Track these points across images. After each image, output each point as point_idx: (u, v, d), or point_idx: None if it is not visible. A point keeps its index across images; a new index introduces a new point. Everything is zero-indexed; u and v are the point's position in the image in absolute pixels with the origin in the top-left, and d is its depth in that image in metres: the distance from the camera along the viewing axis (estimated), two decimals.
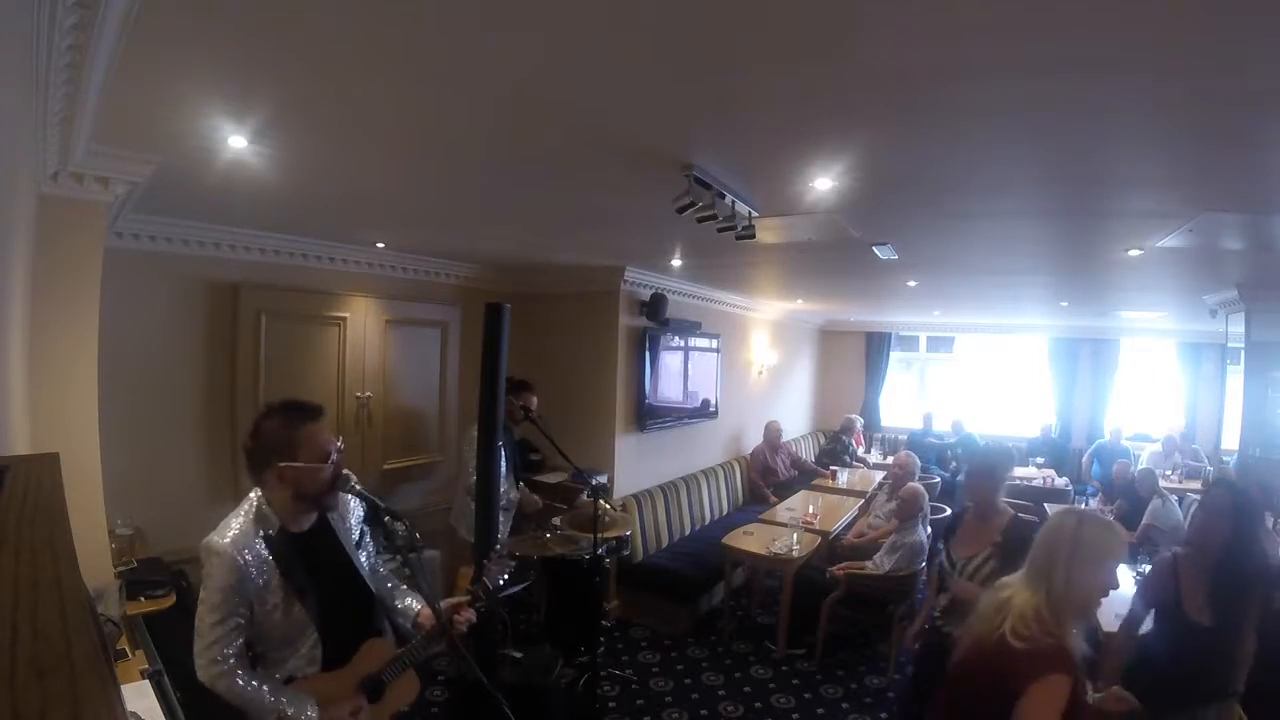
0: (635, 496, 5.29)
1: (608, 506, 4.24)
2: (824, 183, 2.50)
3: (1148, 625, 2.45)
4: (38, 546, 0.75)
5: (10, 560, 0.69)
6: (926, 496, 4.57)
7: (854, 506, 5.94)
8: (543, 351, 5.31)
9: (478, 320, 2.90)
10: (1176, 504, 5.25)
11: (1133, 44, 1.38)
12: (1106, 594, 1.66)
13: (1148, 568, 3.96)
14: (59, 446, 1.51)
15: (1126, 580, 3.93)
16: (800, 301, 7.74)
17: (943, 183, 2.52)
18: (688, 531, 5.83)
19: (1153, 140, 1.98)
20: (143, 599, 2.50)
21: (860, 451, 8.68)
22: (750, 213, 2.71)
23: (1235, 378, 5.00)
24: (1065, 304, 6.54)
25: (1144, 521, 5.13)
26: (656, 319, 5.41)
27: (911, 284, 5.56)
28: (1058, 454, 8.38)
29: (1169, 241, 3.18)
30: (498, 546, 2.12)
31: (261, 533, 1.65)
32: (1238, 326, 4.79)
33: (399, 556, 1.84)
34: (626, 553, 4.75)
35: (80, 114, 1.76)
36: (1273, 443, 4.58)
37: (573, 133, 2.07)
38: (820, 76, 1.61)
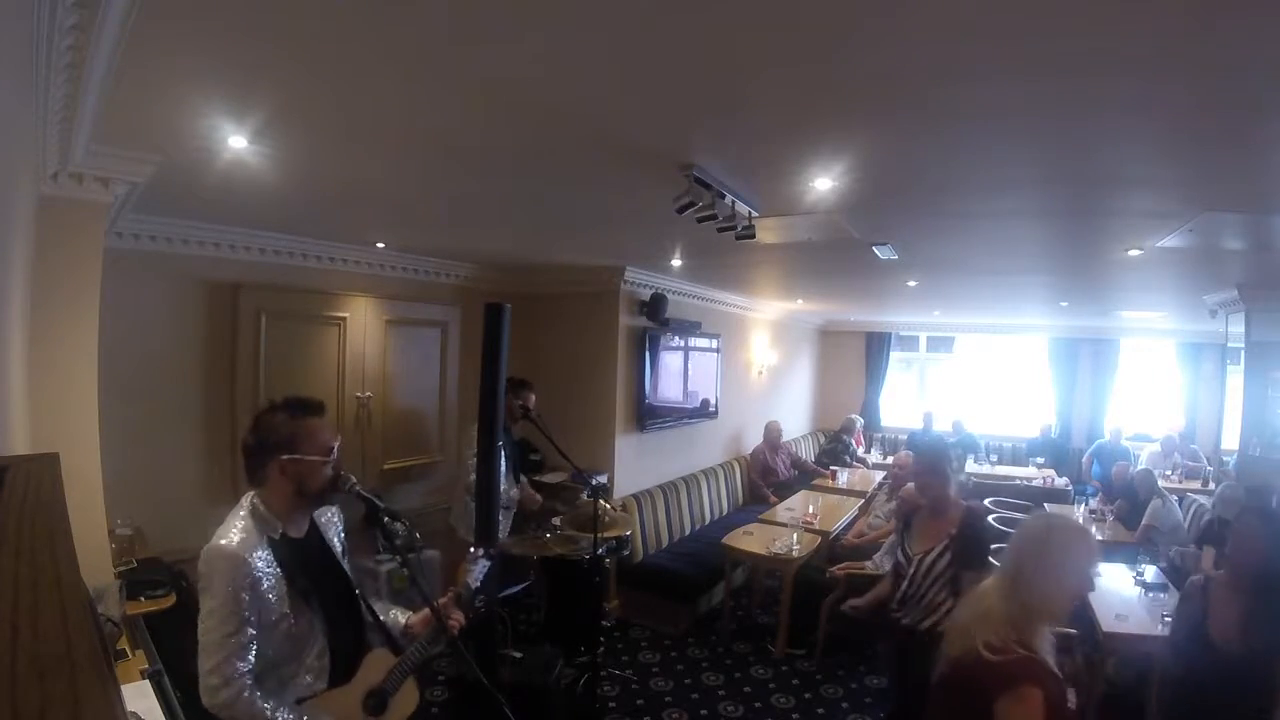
0: (635, 496, 5.29)
1: (607, 506, 4.25)
2: (824, 183, 2.50)
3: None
4: (38, 546, 0.75)
5: (10, 560, 0.69)
6: None
7: (854, 506, 5.94)
8: (543, 351, 5.31)
9: (478, 320, 2.90)
10: (1176, 504, 5.26)
11: (1133, 44, 1.38)
12: (1080, 598, 1.65)
13: (1148, 568, 3.99)
14: (59, 446, 1.51)
15: (1123, 579, 3.94)
16: (800, 301, 7.74)
17: (943, 183, 2.52)
18: (688, 531, 5.83)
19: (1153, 140, 1.98)
20: (143, 599, 2.50)
21: (860, 451, 8.69)
22: (750, 213, 2.71)
23: (1235, 378, 5.00)
24: (1065, 304, 6.54)
25: (1143, 522, 5.13)
26: (656, 319, 5.41)
27: (911, 284, 5.56)
28: (1058, 454, 8.38)
29: (1169, 241, 3.18)
30: (470, 550, 2.08)
31: (266, 537, 1.59)
32: (1238, 326, 4.80)
33: (399, 556, 1.83)
34: (626, 553, 4.74)
35: (80, 114, 1.75)
36: (1273, 443, 4.59)
37: (573, 133, 2.07)
38: (821, 77, 1.62)
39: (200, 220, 3.38)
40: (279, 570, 1.58)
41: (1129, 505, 5.61)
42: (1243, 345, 4.70)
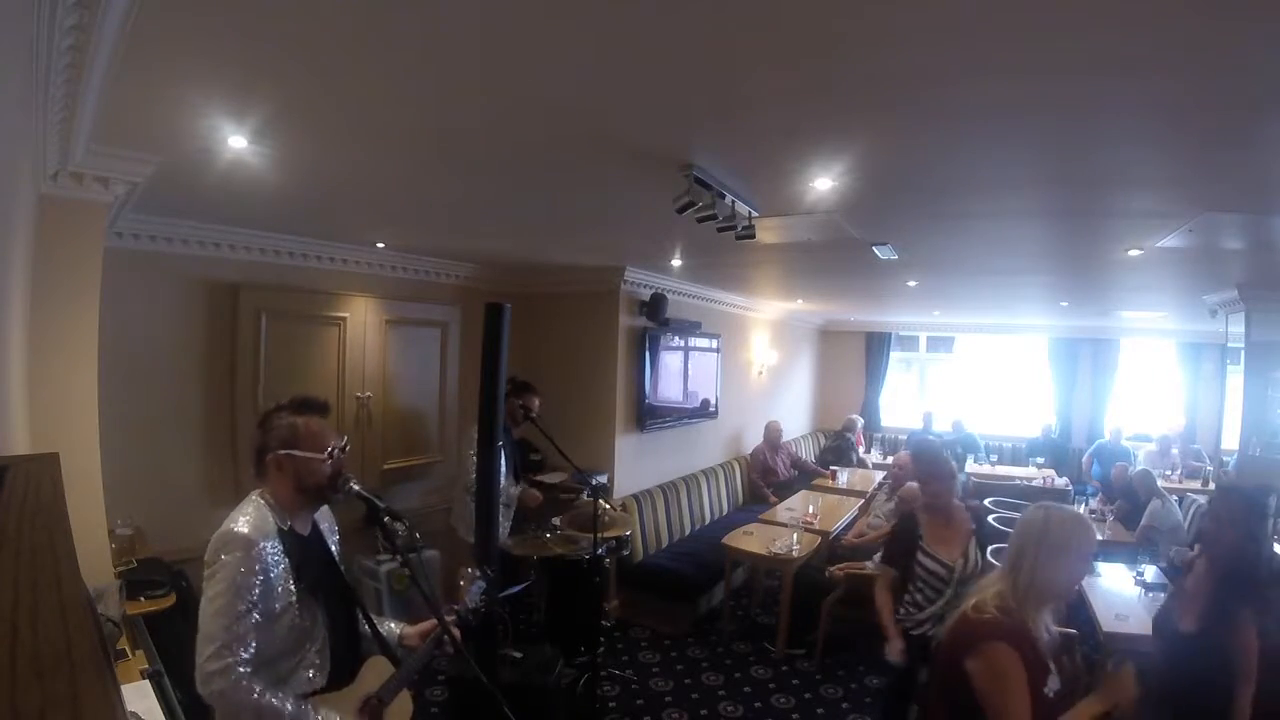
0: (635, 496, 5.29)
1: (608, 506, 4.24)
2: (824, 183, 2.50)
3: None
4: (38, 546, 0.75)
5: (10, 560, 0.69)
6: None
7: (854, 506, 5.94)
8: (543, 351, 5.31)
9: (478, 320, 2.90)
10: (1176, 504, 5.26)
11: (1133, 45, 1.38)
12: (1075, 585, 1.72)
13: (1148, 568, 3.99)
14: (59, 446, 1.51)
15: (1123, 579, 3.94)
16: (800, 301, 7.74)
17: (943, 183, 2.52)
18: (688, 531, 5.83)
19: (1153, 140, 1.98)
20: (143, 599, 2.49)
21: (861, 451, 8.69)
22: (750, 213, 2.71)
23: (1235, 378, 5.00)
24: (1065, 304, 6.54)
25: (1143, 522, 5.13)
26: (656, 319, 5.41)
27: (911, 284, 5.56)
28: (1058, 454, 8.38)
29: (1169, 241, 3.18)
30: (468, 571, 2.09)
31: (276, 526, 1.61)
32: (1238, 326, 4.79)
33: (399, 556, 1.84)
34: (626, 553, 4.74)
35: (80, 114, 1.75)
36: (1273, 443, 4.58)
37: (573, 133, 2.07)
38: (821, 77, 1.61)
39: (200, 220, 3.38)
40: (287, 561, 1.59)
41: (1129, 505, 5.61)
42: (1243, 345, 4.70)
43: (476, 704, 2.18)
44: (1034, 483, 7.06)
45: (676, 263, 4.77)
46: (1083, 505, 6.10)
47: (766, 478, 7.10)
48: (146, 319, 3.34)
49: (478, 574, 2.05)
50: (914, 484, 4.68)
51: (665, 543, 5.47)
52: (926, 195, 2.69)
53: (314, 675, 1.63)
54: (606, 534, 3.72)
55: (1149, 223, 2.94)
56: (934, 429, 8.76)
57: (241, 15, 1.35)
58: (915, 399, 10.03)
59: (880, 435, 9.71)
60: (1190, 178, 2.33)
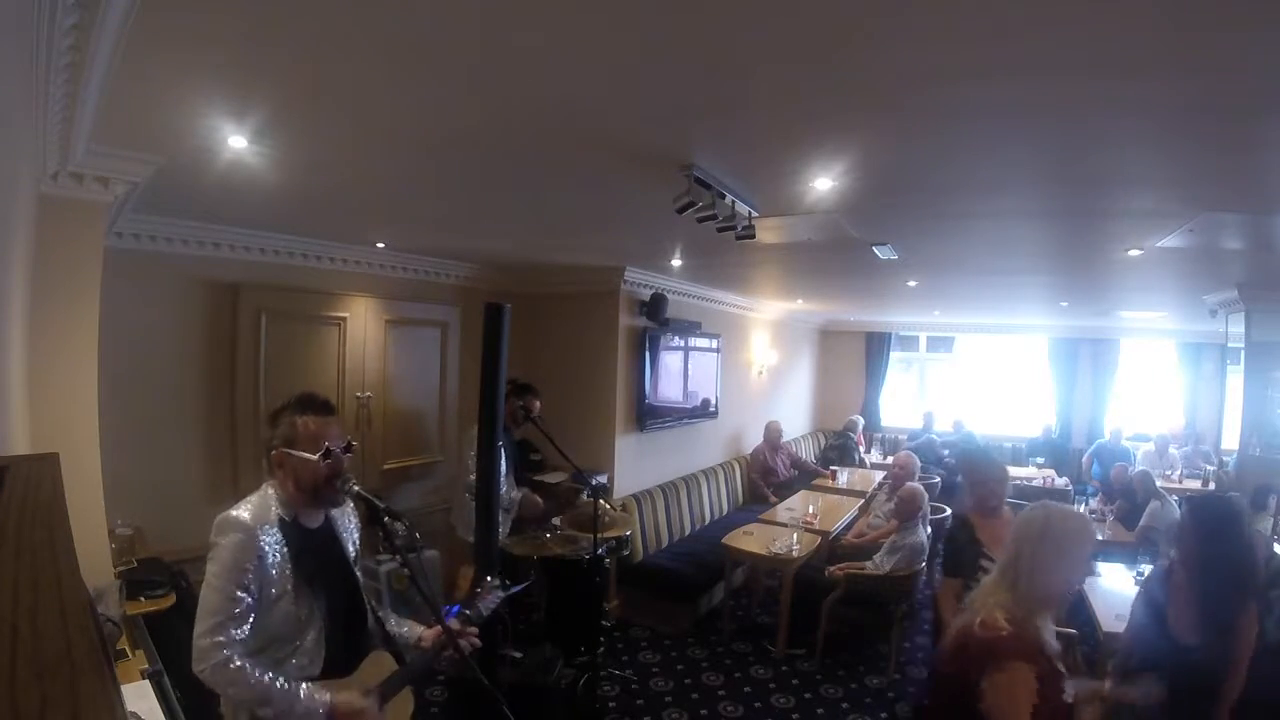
0: (635, 496, 5.29)
1: (608, 506, 4.24)
2: (824, 183, 2.50)
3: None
4: (38, 546, 0.75)
5: (10, 560, 0.69)
6: (926, 497, 4.57)
7: (854, 506, 5.94)
8: (543, 351, 5.31)
9: (478, 320, 2.90)
10: (1176, 505, 5.25)
11: (1133, 46, 1.38)
12: (1076, 587, 1.71)
13: (1148, 568, 3.99)
14: (59, 446, 1.51)
15: (1123, 579, 3.94)
16: (800, 302, 7.74)
17: (943, 183, 2.52)
18: (688, 531, 5.83)
19: (1153, 141, 1.98)
20: (143, 599, 2.50)
21: (861, 451, 8.68)
22: (750, 213, 2.71)
23: (1235, 378, 5.00)
24: (1065, 304, 6.54)
25: (1142, 523, 5.13)
26: (656, 319, 5.41)
27: (911, 284, 5.56)
28: (1058, 454, 8.39)
29: (1169, 241, 3.18)
30: (487, 579, 2.09)
31: (277, 516, 1.65)
32: (1238, 326, 4.80)
33: (399, 556, 1.84)
34: (626, 553, 4.74)
35: (80, 114, 1.75)
36: (1273, 443, 4.59)
37: (573, 133, 2.07)
38: (821, 77, 1.62)
39: (200, 220, 3.38)
40: (285, 549, 1.62)
41: (1128, 505, 5.61)
42: (1243, 345, 4.70)
43: (476, 704, 2.18)
44: (1034, 483, 7.06)
45: (676, 263, 4.77)
46: (1083, 505, 6.11)
47: (766, 478, 7.10)
48: (146, 319, 3.33)
49: (497, 583, 2.05)
50: (914, 484, 4.71)
51: (665, 543, 5.47)
52: (927, 195, 2.69)
53: (308, 664, 1.65)
54: (606, 534, 3.72)
55: (1149, 223, 2.94)
56: (935, 429, 8.76)
57: (241, 15, 1.35)
58: (915, 399, 10.03)
59: (880, 435, 9.70)
60: (1190, 178, 2.33)
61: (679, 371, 6.00)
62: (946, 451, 8.09)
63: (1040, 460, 8.11)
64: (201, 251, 3.52)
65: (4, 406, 1.55)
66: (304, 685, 1.56)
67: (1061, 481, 7.28)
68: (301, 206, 3.11)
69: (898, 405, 10.06)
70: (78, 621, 0.57)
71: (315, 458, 1.67)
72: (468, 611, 1.93)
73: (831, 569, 4.54)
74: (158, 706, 1.79)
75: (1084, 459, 8.02)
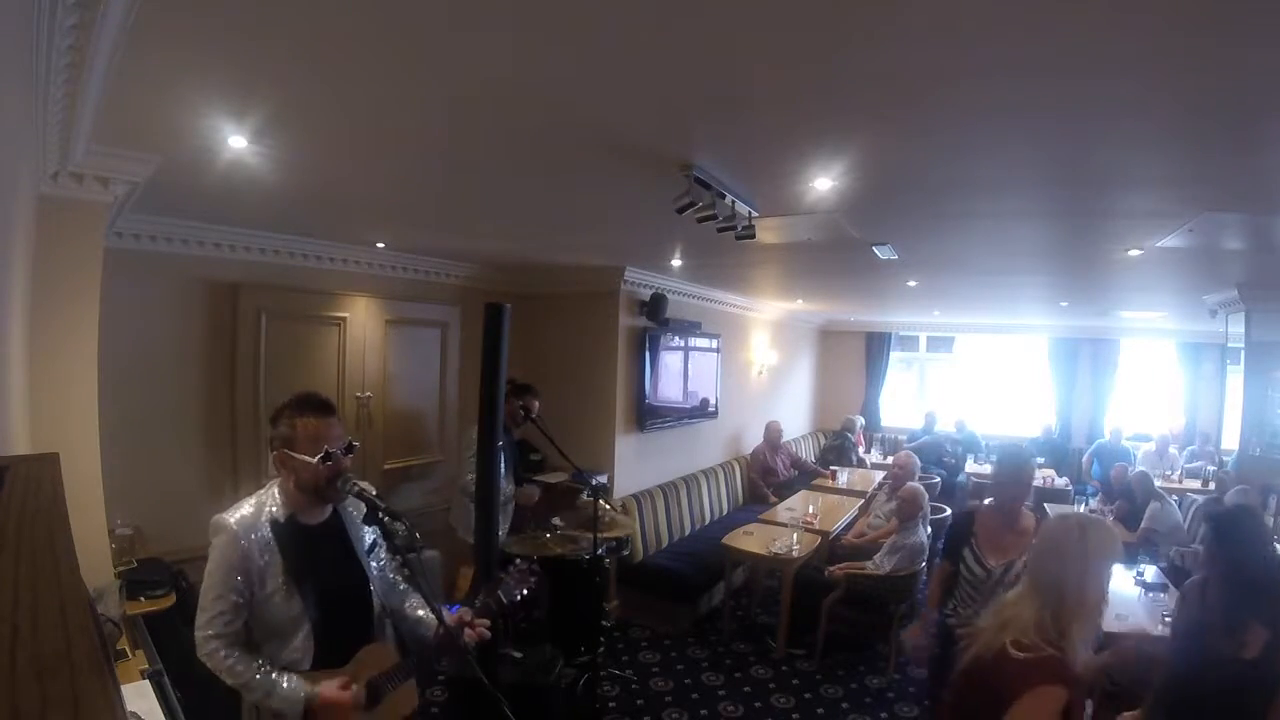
0: (635, 496, 5.29)
1: (608, 506, 4.24)
2: (824, 183, 2.49)
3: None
4: (38, 547, 0.75)
5: (10, 560, 0.69)
6: (926, 497, 4.58)
7: (854, 506, 5.94)
8: (543, 351, 5.31)
9: (478, 320, 2.90)
10: (1175, 505, 5.26)
11: (1132, 45, 1.38)
12: (1107, 598, 1.61)
13: (1148, 568, 4.00)
14: (59, 446, 1.51)
15: (1123, 579, 3.94)
16: (800, 301, 7.74)
17: (943, 183, 2.52)
18: (688, 531, 5.83)
19: (1153, 141, 1.98)
20: (143, 599, 2.50)
21: (861, 451, 8.68)
22: (750, 213, 2.71)
23: (1235, 378, 5.00)
24: (1065, 304, 6.54)
25: (1143, 524, 5.13)
26: (656, 319, 5.41)
27: (911, 284, 5.56)
28: (1058, 454, 8.38)
29: (1169, 241, 3.18)
30: (517, 562, 2.07)
31: (270, 517, 1.68)
32: (1238, 326, 4.80)
33: (399, 556, 1.84)
34: (626, 553, 4.74)
35: (80, 114, 1.75)
36: (1273, 443, 4.59)
37: (573, 133, 2.07)
38: (821, 77, 1.62)
39: (200, 220, 3.38)
40: (275, 550, 1.66)
41: (1128, 506, 5.62)
42: (1243, 345, 4.70)
43: (476, 704, 2.18)
44: (1034, 483, 7.05)
45: (676, 263, 4.77)
46: (1083, 505, 6.11)
47: (766, 478, 7.10)
48: (146, 319, 3.34)
49: (527, 566, 2.01)
50: (914, 484, 4.71)
51: (665, 543, 5.47)
52: (927, 195, 2.69)
53: (300, 658, 1.68)
54: (606, 534, 3.72)
55: (1149, 223, 2.94)
56: (936, 429, 8.76)
57: (242, 15, 1.35)
58: (915, 399, 10.03)
59: (880, 435, 9.70)
60: (1190, 178, 2.33)
61: (679, 371, 6.00)
62: (949, 451, 8.09)
63: (1040, 460, 8.09)
64: (201, 251, 3.52)
65: (4, 406, 1.55)
66: (286, 675, 1.63)
67: (1061, 481, 7.28)
68: (301, 206, 3.11)
69: (898, 405, 10.05)
70: (78, 621, 0.57)
71: (313, 461, 1.67)
72: (500, 593, 1.91)
73: (831, 569, 4.54)
74: (158, 706, 1.80)
75: (1084, 459, 8.02)
